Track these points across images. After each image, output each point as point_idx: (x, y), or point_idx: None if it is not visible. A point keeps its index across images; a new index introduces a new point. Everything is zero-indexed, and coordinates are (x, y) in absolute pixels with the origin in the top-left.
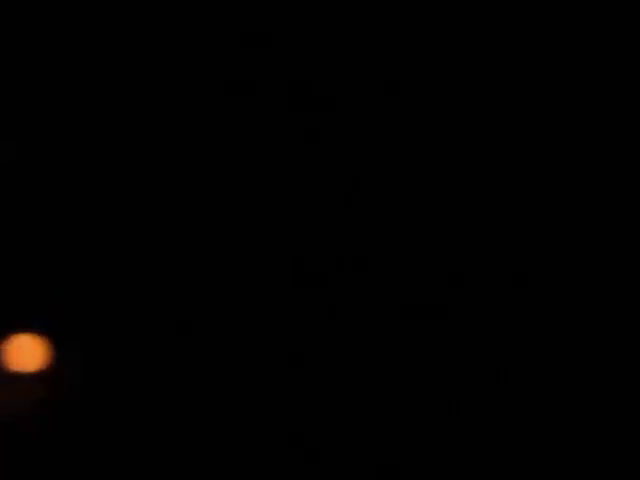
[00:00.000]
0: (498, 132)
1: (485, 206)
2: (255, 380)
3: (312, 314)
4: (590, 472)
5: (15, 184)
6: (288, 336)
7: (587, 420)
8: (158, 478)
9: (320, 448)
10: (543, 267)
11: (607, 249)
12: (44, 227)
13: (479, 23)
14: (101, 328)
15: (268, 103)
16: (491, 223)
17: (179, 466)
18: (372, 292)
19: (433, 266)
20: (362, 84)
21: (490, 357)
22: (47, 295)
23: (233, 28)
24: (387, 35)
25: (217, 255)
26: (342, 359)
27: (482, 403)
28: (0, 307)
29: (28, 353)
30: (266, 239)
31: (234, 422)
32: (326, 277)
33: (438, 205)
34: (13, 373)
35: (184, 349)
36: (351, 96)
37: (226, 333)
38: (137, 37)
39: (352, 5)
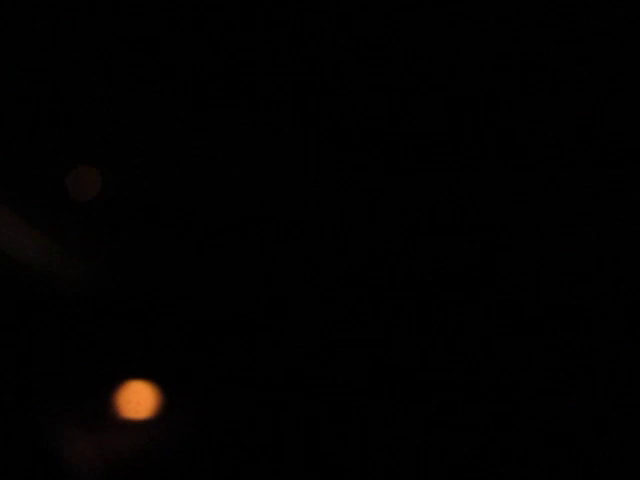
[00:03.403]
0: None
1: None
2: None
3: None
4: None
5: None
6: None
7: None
8: None
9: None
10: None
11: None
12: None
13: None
14: (210, 372)
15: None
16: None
17: None
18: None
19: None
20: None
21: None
22: (158, 342)
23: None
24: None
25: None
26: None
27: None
28: (112, 355)
29: (139, 400)
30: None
31: None
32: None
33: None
34: (124, 420)
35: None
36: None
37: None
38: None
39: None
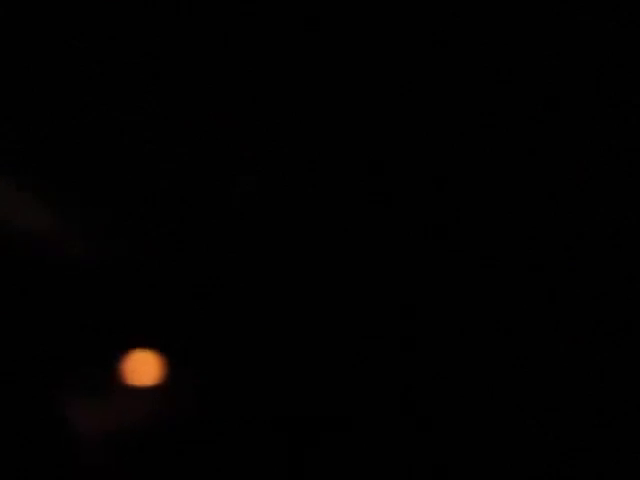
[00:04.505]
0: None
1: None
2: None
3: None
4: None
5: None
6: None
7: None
8: None
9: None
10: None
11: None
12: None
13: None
14: (216, 345)
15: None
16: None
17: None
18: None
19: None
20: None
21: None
22: (163, 311)
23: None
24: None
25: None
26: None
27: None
28: (116, 324)
29: (144, 369)
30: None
31: None
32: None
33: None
34: (129, 388)
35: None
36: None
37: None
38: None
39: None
